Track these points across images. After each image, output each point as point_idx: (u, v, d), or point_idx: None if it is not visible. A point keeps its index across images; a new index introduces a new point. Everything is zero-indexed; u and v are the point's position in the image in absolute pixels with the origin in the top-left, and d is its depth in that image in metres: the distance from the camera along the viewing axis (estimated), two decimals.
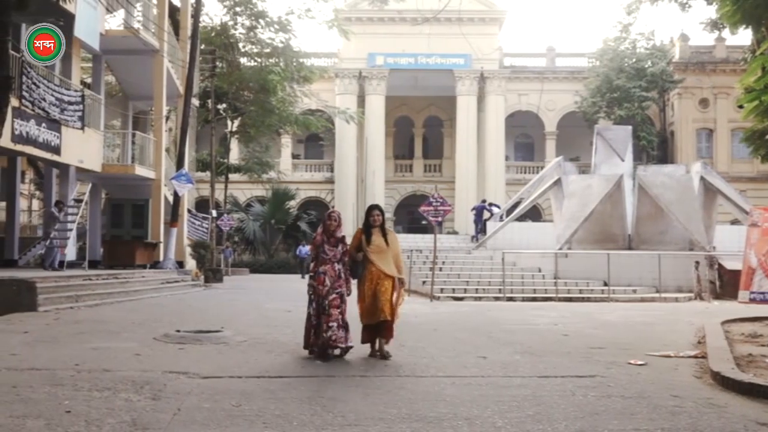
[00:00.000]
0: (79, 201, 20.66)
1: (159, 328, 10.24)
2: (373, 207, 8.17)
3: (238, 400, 5.75)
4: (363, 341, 7.95)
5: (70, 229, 19.23)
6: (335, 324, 7.56)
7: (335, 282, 7.70)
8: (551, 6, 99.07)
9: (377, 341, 7.94)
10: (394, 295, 7.91)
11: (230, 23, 34.08)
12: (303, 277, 27.46)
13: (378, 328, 7.87)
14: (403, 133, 47.83)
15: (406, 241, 32.19)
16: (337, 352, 7.66)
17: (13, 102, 14.61)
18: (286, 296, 18.16)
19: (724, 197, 23.92)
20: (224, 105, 34.33)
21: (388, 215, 43.84)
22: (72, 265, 19.53)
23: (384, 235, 7.98)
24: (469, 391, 6.34)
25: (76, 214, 19.87)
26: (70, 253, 20.55)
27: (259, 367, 7.28)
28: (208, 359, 7.74)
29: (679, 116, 43.39)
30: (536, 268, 22.21)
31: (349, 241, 8.05)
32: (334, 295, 7.65)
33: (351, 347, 7.81)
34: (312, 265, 7.95)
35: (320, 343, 7.59)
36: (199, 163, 35.08)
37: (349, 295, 7.84)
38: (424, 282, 20.62)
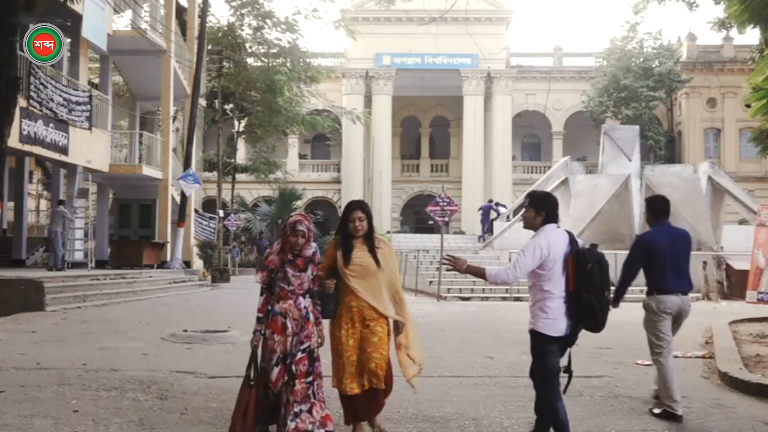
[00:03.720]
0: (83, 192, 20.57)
1: (166, 327, 10.27)
2: (355, 205, 4.99)
3: None
4: (347, 421, 4.97)
5: (79, 228, 19.28)
6: (307, 405, 4.59)
7: (301, 330, 4.68)
8: (558, 5, 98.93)
9: (362, 425, 4.93)
10: (393, 344, 4.94)
11: (237, 24, 34.08)
12: None
13: (366, 398, 4.85)
14: (409, 133, 47.78)
15: (413, 241, 32.16)
16: None
17: (21, 102, 14.67)
18: None
19: (732, 197, 23.81)
20: (231, 105, 34.35)
21: (395, 215, 43.73)
22: (79, 265, 19.58)
23: (372, 249, 4.90)
24: (477, 391, 6.33)
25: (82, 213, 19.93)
26: (77, 253, 20.63)
27: None
28: (216, 359, 7.75)
29: (687, 116, 43.20)
30: None
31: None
32: (300, 355, 4.63)
33: None
34: (261, 300, 4.88)
35: None
36: (206, 163, 35.17)
37: (320, 345, 4.80)
38: (430, 282, 20.59)
